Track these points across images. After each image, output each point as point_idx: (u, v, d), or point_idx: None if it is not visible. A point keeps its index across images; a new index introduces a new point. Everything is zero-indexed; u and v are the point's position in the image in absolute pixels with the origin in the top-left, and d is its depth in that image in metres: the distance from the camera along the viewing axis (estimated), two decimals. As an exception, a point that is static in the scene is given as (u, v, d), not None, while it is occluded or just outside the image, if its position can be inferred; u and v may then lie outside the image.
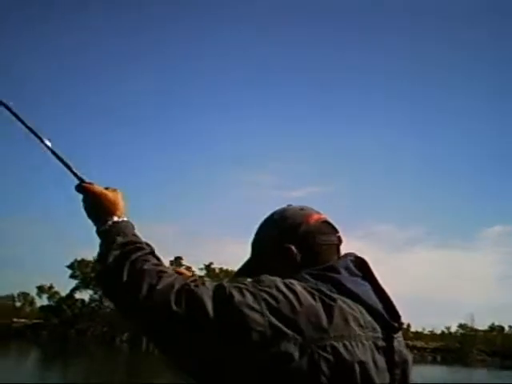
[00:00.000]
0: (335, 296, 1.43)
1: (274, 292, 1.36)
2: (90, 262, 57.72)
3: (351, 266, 1.56)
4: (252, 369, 1.33)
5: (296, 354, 1.32)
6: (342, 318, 1.40)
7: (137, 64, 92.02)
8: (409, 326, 66.96)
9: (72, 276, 59.61)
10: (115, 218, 1.59)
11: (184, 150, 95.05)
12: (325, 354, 1.34)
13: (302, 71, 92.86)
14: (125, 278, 1.39)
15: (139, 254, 1.45)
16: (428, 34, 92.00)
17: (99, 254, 1.50)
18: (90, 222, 1.68)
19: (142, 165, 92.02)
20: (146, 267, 1.40)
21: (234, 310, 1.32)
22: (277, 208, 1.71)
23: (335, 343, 1.36)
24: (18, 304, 72.30)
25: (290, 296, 1.36)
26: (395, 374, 1.48)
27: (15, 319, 63.75)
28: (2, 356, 38.70)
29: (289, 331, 1.33)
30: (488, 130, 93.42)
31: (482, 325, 68.55)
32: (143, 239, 1.55)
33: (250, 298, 1.34)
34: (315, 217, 1.64)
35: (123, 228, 1.56)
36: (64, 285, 62.74)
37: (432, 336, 68.30)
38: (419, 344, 63.21)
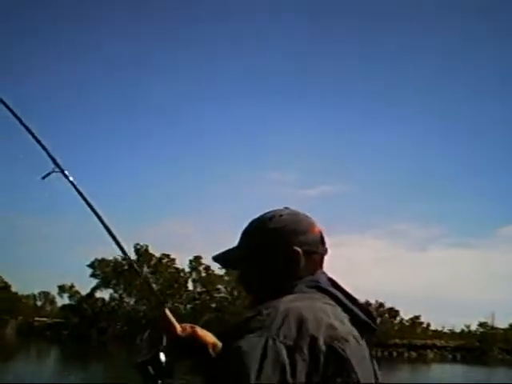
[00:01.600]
0: (329, 302, 1.56)
1: (282, 331, 1.39)
2: (110, 261, 58.04)
3: (327, 280, 1.66)
4: None
5: (325, 355, 1.39)
6: (340, 320, 1.51)
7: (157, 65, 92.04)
8: (428, 324, 66.80)
9: (92, 275, 60.03)
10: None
11: (206, 145, 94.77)
12: (343, 347, 1.42)
13: (321, 72, 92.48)
14: None
15: None
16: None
17: None
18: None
19: (163, 156, 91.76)
20: None
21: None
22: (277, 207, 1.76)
23: (348, 337, 1.46)
24: (38, 303, 72.96)
25: (302, 331, 1.40)
26: None
27: (37, 318, 64.31)
28: (24, 355, 39.09)
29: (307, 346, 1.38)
30: (505, 127, 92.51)
31: (502, 323, 68.10)
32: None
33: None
34: (318, 226, 1.72)
35: None
36: (85, 284, 63.09)
37: (451, 335, 67.77)
38: (439, 343, 62.97)
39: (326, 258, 1.72)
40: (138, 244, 57.20)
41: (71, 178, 2.27)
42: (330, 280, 1.67)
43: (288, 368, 1.34)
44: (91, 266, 59.56)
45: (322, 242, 1.72)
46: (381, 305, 62.73)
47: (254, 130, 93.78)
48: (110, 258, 57.86)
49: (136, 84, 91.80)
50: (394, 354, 58.31)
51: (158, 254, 59.02)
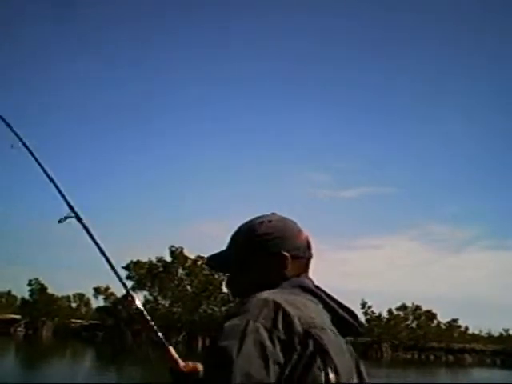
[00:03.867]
0: (312, 299, 1.66)
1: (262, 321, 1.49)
2: (145, 263, 58.48)
3: (312, 284, 1.74)
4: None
5: (302, 338, 1.49)
6: (319, 315, 1.62)
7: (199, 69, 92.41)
8: (466, 328, 65.60)
9: (128, 277, 60.32)
10: None
11: (242, 146, 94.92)
12: (320, 334, 1.52)
13: (358, 72, 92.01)
14: None
15: None
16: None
17: None
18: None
19: (199, 157, 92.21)
20: None
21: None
22: (271, 213, 1.83)
23: (325, 327, 1.57)
24: (73, 305, 73.63)
25: (280, 315, 1.50)
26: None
27: (73, 320, 65.06)
28: (61, 355, 39.59)
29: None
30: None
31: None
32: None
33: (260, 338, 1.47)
34: (304, 232, 1.80)
35: None
36: (120, 286, 63.49)
37: (489, 338, 66.55)
38: (477, 347, 61.75)
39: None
40: (172, 246, 57.53)
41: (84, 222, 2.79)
42: (315, 286, 1.74)
43: (267, 344, 1.44)
44: (126, 267, 60.01)
45: (309, 247, 1.79)
46: (418, 307, 61.98)
47: (293, 131, 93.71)
48: (145, 260, 58.30)
49: (174, 85, 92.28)
50: (432, 357, 57.59)
51: (192, 256, 59.23)
